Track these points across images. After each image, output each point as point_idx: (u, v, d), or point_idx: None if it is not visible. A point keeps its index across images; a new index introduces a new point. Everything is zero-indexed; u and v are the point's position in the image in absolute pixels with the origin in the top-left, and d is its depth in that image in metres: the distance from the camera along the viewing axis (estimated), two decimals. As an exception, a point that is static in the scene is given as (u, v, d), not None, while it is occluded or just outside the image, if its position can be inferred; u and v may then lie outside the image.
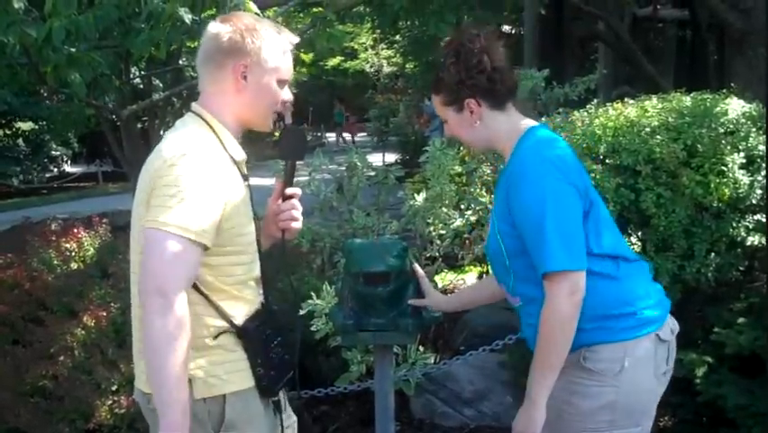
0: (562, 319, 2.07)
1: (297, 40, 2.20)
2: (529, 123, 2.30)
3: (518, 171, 2.18)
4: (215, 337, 2.04)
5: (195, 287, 2.00)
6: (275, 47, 2.12)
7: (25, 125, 20.57)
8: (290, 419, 2.34)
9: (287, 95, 2.17)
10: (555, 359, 2.12)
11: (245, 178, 2.14)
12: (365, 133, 28.53)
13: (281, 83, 2.15)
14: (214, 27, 2.12)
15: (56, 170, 22.69)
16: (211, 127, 2.09)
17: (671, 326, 2.30)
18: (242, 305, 2.09)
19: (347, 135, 31.10)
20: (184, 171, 1.94)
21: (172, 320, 1.88)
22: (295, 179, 3.46)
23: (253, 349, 2.07)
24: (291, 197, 2.25)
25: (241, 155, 2.12)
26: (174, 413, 1.89)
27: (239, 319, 2.07)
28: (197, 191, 1.93)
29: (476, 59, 2.24)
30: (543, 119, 4.54)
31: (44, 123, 19.79)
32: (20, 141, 20.65)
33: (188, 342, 1.91)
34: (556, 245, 2.05)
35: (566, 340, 2.10)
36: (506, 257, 2.24)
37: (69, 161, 23.88)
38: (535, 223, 2.10)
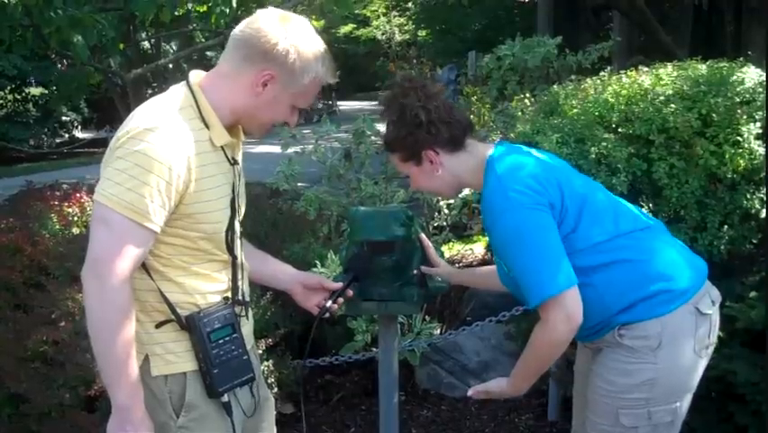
0: (557, 344, 2.09)
1: (333, 81, 2.08)
2: (487, 152, 2.25)
3: (487, 211, 2.18)
4: (157, 326, 1.95)
5: (147, 268, 1.92)
6: (312, 77, 1.98)
7: (35, 90, 20.51)
8: (266, 403, 2.26)
9: (293, 120, 2.07)
10: (543, 369, 2.20)
11: (232, 161, 2.02)
12: (376, 102, 28.39)
13: (294, 109, 2.03)
14: (270, 20, 1.95)
15: (66, 135, 22.63)
16: (198, 105, 1.94)
17: (711, 297, 2.24)
18: (205, 282, 1.99)
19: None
20: (141, 147, 1.80)
21: (109, 305, 1.80)
22: (301, 147, 3.44)
23: (195, 343, 1.96)
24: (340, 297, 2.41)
25: (223, 140, 1.96)
26: (120, 396, 1.84)
27: (198, 298, 1.97)
28: (150, 169, 1.79)
29: (412, 113, 2.21)
30: (555, 86, 4.45)
31: (54, 88, 19.76)
32: (30, 105, 20.60)
33: (130, 324, 1.83)
34: (536, 276, 2.05)
35: (555, 358, 2.15)
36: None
37: (80, 127, 23.81)
38: (512, 259, 2.12)
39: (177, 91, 1.98)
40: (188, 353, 1.96)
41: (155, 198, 1.81)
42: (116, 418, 1.86)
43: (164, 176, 1.81)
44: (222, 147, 1.97)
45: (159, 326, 1.95)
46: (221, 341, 1.97)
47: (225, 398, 1.99)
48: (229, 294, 2.06)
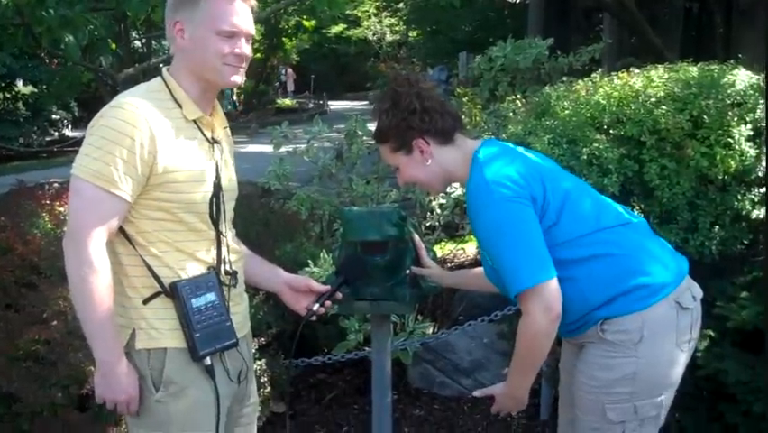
0: (541, 336, 2.10)
1: None
2: (474, 147, 2.29)
3: (471, 204, 2.21)
4: (145, 302, 2.05)
5: (134, 243, 2.03)
6: None
7: (25, 89, 20.46)
8: (250, 400, 2.34)
9: (236, 47, 2.06)
10: (536, 364, 2.19)
11: (210, 139, 2.12)
12: (367, 102, 28.42)
13: (223, 34, 2.04)
14: None
15: (56, 133, 22.56)
16: (167, 85, 2.08)
17: (692, 292, 2.26)
18: (189, 259, 2.08)
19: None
20: (107, 122, 1.97)
21: (85, 267, 1.93)
22: (294, 147, 3.37)
23: (178, 308, 2.04)
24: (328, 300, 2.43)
25: (194, 114, 2.08)
26: (101, 352, 1.99)
27: (180, 273, 2.06)
28: (115, 141, 1.94)
29: (406, 101, 2.26)
30: (546, 88, 4.47)
31: (45, 86, 19.71)
32: (19, 104, 20.53)
33: (105, 285, 1.95)
34: (516, 267, 2.08)
35: (544, 351, 2.14)
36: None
37: (70, 126, 23.74)
38: (494, 251, 2.14)
39: (153, 80, 2.13)
40: (171, 331, 2.05)
41: (119, 166, 1.95)
42: (100, 372, 2.01)
43: (127, 146, 1.95)
44: (198, 125, 2.09)
45: (146, 301, 2.05)
46: (203, 307, 2.07)
47: (208, 361, 2.08)
48: (214, 266, 2.13)
